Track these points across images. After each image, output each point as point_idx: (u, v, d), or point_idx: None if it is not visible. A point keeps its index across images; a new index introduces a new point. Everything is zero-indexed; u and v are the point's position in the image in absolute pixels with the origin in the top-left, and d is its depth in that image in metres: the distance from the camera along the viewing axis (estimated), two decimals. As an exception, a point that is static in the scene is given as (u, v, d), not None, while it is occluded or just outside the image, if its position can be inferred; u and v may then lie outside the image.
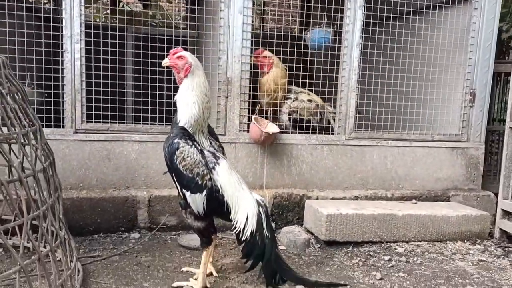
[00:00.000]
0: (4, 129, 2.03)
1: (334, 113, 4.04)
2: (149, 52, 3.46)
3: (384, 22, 4.11)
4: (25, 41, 3.26)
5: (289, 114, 3.94)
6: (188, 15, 6.05)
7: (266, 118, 3.80)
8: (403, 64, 3.90)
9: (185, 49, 2.61)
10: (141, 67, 3.46)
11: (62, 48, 3.28)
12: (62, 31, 3.27)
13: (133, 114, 3.62)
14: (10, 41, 3.23)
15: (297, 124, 3.93)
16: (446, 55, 4.04)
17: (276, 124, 3.73)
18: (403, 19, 4.06)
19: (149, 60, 3.44)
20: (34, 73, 3.30)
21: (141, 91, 3.50)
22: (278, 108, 4.01)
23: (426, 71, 3.98)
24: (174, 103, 2.58)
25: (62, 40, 3.27)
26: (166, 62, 2.58)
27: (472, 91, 4.05)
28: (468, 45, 4.02)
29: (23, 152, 2.01)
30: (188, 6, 5.92)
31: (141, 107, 3.49)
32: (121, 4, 7.05)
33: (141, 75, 3.48)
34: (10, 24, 3.23)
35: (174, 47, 2.59)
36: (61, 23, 3.26)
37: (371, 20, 3.77)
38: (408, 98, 3.98)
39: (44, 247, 2.43)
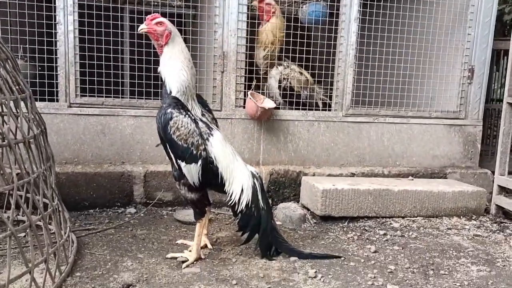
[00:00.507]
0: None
1: (323, 94, 4.00)
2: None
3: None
4: (17, 13, 3.21)
5: (280, 82, 3.85)
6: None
7: (263, 93, 3.77)
8: (401, 39, 3.84)
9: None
10: (136, 40, 3.41)
11: (55, 20, 3.24)
12: (55, 3, 3.22)
13: (129, 88, 3.59)
14: (2, 12, 3.18)
15: (287, 98, 3.85)
16: (445, 31, 3.98)
17: (272, 100, 3.70)
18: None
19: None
20: (27, 46, 3.26)
21: (136, 65, 3.46)
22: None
23: (424, 47, 3.93)
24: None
25: (55, 12, 3.23)
26: (143, 28, 2.44)
27: (470, 67, 4.01)
28: (467, 21, 3.97)
29: (12, 118, 1.99)
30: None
31: (136, 81, 3.45)
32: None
33: (136, 49, 3.43)
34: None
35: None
36: (54, -6, 3.22)
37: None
38: (406, 75, 3.95)
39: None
